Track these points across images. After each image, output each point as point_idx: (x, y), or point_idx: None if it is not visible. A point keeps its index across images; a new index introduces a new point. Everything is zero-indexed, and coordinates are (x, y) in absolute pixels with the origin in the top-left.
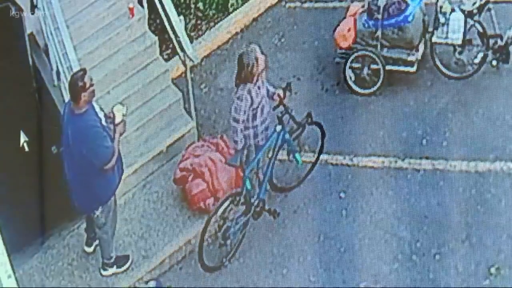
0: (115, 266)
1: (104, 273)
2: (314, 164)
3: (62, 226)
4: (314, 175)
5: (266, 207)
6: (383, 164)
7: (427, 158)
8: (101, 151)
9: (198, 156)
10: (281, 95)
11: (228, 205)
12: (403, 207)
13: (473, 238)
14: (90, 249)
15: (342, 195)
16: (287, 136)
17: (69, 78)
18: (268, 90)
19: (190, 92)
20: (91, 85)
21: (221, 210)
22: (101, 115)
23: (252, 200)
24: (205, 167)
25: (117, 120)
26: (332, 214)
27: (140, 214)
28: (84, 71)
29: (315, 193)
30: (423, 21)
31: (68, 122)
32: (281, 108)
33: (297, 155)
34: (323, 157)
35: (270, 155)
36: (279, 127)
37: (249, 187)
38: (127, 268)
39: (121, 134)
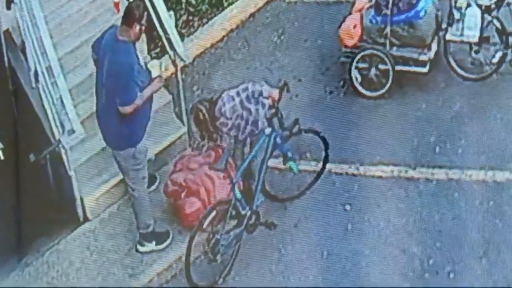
0: (154, 242)
1: (141, 249)
2: (319, 174)
3: (41, 241)
4: (317, 186)
5: (262, 220)
6: (392, 174)
7: (440, 167)
8: (128, 90)
9: (192, 170)
10: (275, 95)
11: (214, 217)
12: (414, 220)
13: (491, 254)
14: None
15: (347, 207)
16: (278, 140)
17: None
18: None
19: (181, 94)
20: (145, 27)
21: (206, 222)
22: (140, 56)
23: (244, 212)
24: (201, 186)
25: (153, 75)
26: (336, 228)
27: (126, 228)
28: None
29: (318, 205)
30: (436, 17)
31: (108, 48)
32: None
33: (291, 164)
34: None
35: (260, 161)
36: (268, 130)
37: (239, 195)
38: (168, 245)
39: (156, 90)
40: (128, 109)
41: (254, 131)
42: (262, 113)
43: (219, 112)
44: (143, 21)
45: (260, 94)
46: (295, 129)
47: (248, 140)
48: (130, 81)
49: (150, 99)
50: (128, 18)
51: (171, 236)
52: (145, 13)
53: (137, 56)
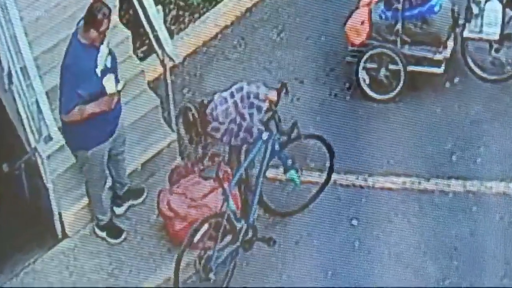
0: (105, 232)
1: (96, 231)
2: (323, 186)
3: (15, 260)
4: (321, 198)
5: (259, 235)
6: (404, 185)
7: (457, 178)
8: (67, 98)
9: (194, 201)
10: (273, 97)
11: (206, 232)
12: (428, 237)
13: None
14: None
15: (354, 222)
16: (277, 146)
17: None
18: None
19: (171, 98)
20: (106, 30)
21: (197, 237)
22: (100, 62)
23: (239, 225)
24: (200, 219)
25: (108, 91)
26: (342, 246)
27: (109, 246)
28: (110, 10)
29: (322, 220)
30: (453, 12)
31: (68, 45)
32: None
33: (292, 174)
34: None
35: (257, 170)
36: (265, 135)
37: (232, 207)
38: (123, 240)
39: (101, 111)
40: (64, 118)
41: (248, 138)
42: (257, 118)
43: (211, 116)
44: (103, 28)
45: (256, 96)
46: (294, 134)
47: (244, 147)
48: (69, 90)
49: (111, 108)
50: (85, 20)
51: (124, 234)
52: (107, 20)
53: (95, 63)
